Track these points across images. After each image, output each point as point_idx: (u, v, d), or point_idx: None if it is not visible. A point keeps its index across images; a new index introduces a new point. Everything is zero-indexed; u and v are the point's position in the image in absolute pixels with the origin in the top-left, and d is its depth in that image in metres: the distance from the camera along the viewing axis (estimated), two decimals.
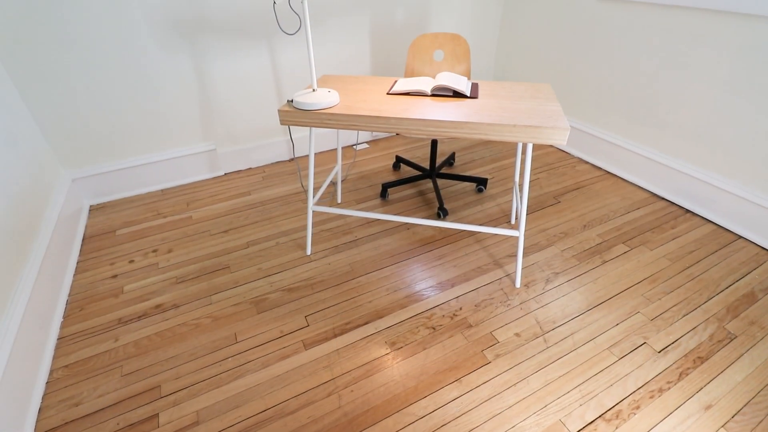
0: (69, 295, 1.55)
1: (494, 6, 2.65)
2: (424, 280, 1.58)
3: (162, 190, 2.22)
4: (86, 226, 1.93)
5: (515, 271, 1.59)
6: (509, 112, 1.23)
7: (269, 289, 1.55)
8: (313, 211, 1.96)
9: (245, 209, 2.03)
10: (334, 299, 1.50)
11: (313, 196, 1.69)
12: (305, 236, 1.82)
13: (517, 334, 1.36)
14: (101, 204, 2.10)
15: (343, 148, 2.65)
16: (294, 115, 1.31)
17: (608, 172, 2.28)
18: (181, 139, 2.17)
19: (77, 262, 1.71)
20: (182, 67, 1.98)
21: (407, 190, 2.15)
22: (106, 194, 2.11)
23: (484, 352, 1.30)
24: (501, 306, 1.46)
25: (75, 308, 1.49)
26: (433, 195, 2.10)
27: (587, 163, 2.39)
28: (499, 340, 1.34)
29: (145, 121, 2.03)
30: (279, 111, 1.31)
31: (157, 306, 1.49)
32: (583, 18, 2.18)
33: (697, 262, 1.64)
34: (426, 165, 2.39)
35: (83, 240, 1.84)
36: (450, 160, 2.34)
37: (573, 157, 2.46)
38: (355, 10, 2.23)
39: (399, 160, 2.30)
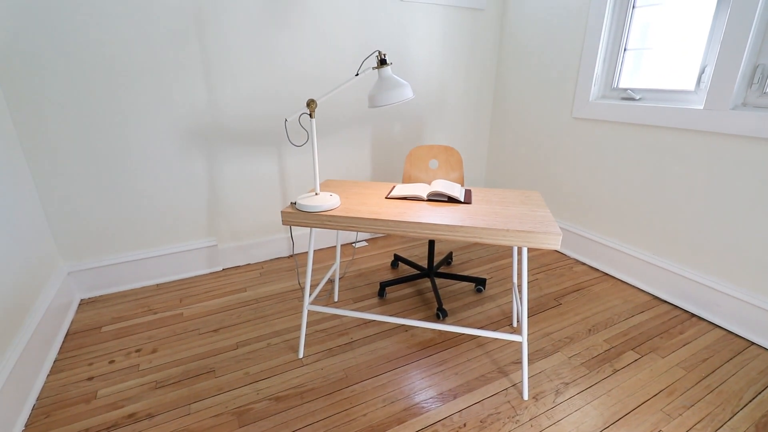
0: (38, 398, 1.42)
1: (483, 120, 2.96)
2: (423, 390, 1.46)
3: (157, 285, 2.19)
4: (72, 321, 1.86)
5: (522, 381, 1.49)
6: (502, 217, 1.29)
7: (255, 397, 1.43)
8: (308, 311, 1.90)
9: (239, 306, 1.98)
10: (325, 411, 1.37)
11: (310, 294, 1.67)
12: (299, 337, 1.75)
13: None
14: (93, 298, 2.05)
15: (342, 245, 2.69)
16: (296, 216, 1.36)
17: (606, 274, 2.28)
18: (185, 234, 2.22)
19: (54, 361, 1.61)
20: (196, 169, 2.13)
21: (405, 289, 2.13)
22: (100, 288, 2.08)
23: None
24: (509, 422, 1.33)
25: (40, 415, 1.35)
26: (431, 294, 2.07)
27: (584, 264, 2.41)
28: None
29: (153, 217, 2.11)
30: (282, 212, 1.37)
31: (130, 415, 1.35)
32: (562, 132, 2.42)
33: (713, 371, 1.54)
34: (424, 264, 2.40)
35: (66, 336, 1.76)
36: (448, 259, 2.37)
37: (569, 258, 2.49)
38: (358, 123, 2.48)
39: (397, 259, 2.32)
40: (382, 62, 1.30)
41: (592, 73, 2.17)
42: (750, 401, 1.40)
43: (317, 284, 2.18)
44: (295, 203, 1.41)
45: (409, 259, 2.45)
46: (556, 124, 2.46)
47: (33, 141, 1.77)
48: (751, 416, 1.34)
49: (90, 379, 1.52)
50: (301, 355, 1.63)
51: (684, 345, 1.69)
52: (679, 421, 1.33)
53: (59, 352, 1.66)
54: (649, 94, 2.00)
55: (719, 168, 1.74)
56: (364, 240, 2.76)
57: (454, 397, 1.43)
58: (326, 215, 1.33)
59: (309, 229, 2.58)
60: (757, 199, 1.64)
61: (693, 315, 1.90)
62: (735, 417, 1.34)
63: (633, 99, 2.05)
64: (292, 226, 2.52)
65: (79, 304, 2.00)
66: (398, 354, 1.65)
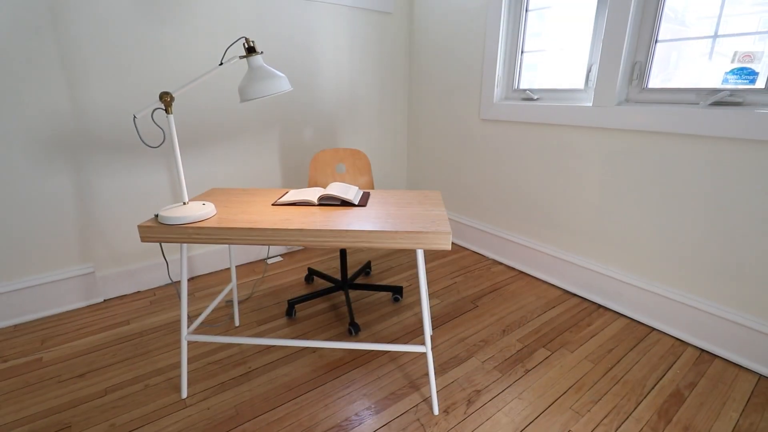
0: None
1: (400, 123, 2.91)
2: (325, 419, 1.29)
3: (15, 326, 1.80)
4: None
5: (431, 395, 1.38)
6: (394, 219, 1.18)
7: None
8: (195, 342, 1.65)
9: (116, 343, 1.68)
10: None
11: (193, 323, 1.43)
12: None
13: None
14: None
15: (253, 262, 2.46)
16: (157, 230, 1.15)
17: (521, 272, 2.29)
18: (52, 262, 1.86)
19: None
20: (60, 185, 1.80)
21: (318, 305, 1.96)
22: None
23: None
24: None
25: None
26: (345, 309, 1.92)
27: (501, 264, 2.41)
28: None
29: (7, 245, 1.74)
30: (139, 227, 1.15)
31: None
32: (472, 134, 2.43)
33: (618, 361, 1.56)
34: (339, 276, 2.25)
35: None
36: (366, 269, 2.24)
37: (488, 258, 2.49)
38: (264, 129, 2.29)
39: (311, 273, 2.15)
40: (250, 50, 1.14)
41: (494, 75, 2.20)
42: (652, 388, 1.42)
43: (205, 311, 1.93)
44: (157, 216, 1.20)
45: (325, 272, 2.28)
46: (466, 126, 2.46)
47: None
48: (654, 404, 1.35)
49: None
50: (184, 395, 1.39)
51: (592, 337, 1.71)
52: (588, 418, 1.30)
53: None
54: (546, 94, 2.05)
55: (610, 161, 1.81)
56: (279, 255, 2.55)
57: (360, 423, 1.28)
58: (192, 227, 1.13)
59: (187, 247, 2.32)
60: (645, 190, 1.72)
61: (600, 306, 1.94)
62: (639, 406, 1.34)
63: (532, 99, 2.10)
64: (163, 244, 2.22)
65: None
66: (301, 380, 1.47)
